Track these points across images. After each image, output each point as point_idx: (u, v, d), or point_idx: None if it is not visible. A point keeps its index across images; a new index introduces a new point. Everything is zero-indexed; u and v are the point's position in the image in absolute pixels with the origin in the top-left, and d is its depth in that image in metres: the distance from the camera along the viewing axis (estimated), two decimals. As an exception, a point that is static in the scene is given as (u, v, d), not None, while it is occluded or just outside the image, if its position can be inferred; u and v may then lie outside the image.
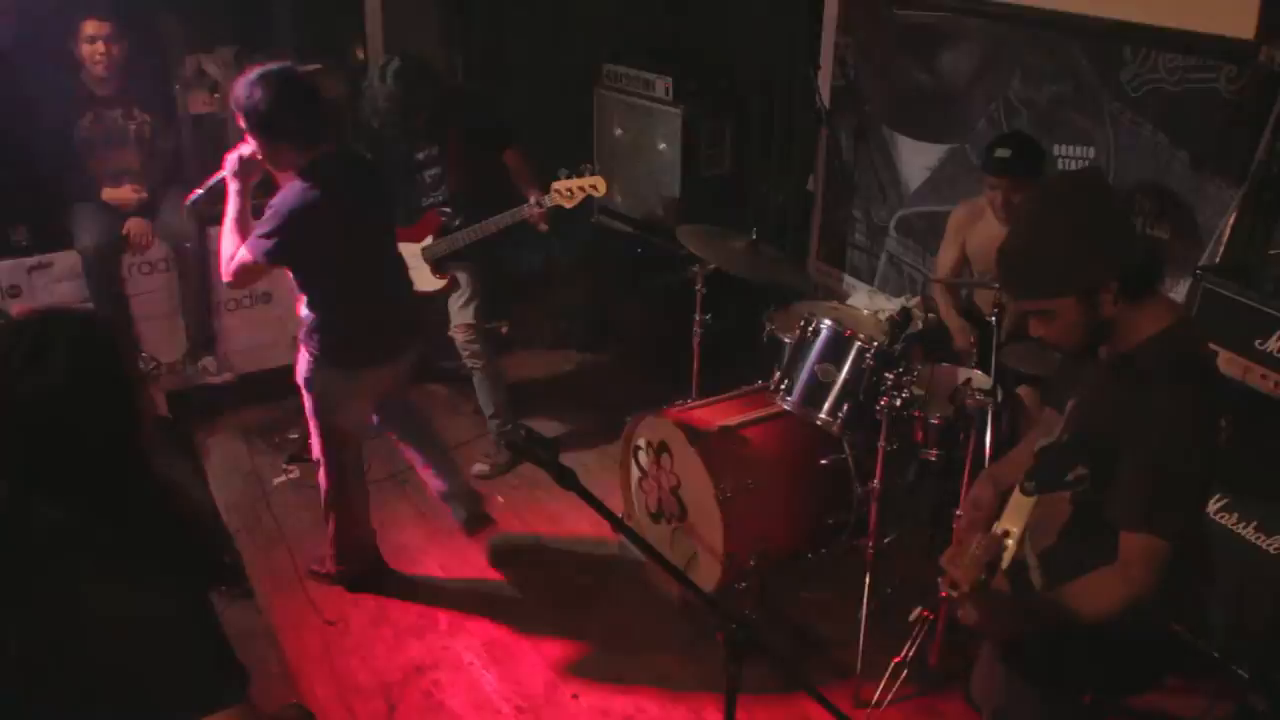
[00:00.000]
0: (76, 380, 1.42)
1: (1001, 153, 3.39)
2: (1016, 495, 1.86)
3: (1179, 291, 3.37)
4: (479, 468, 4.29)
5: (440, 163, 4.09)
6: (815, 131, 4.92)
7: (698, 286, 3.82)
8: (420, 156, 4.08)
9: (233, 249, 3.05)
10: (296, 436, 4.22)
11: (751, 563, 3.26)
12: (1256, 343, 2.90)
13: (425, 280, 4.11)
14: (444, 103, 4.09)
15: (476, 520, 3.78)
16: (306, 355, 3.21)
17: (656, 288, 4.29)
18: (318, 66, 4.56)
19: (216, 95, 4.65)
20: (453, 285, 4.12)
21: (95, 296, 4.26)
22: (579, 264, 5.35)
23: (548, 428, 4.54)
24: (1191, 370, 1.85)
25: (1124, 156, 3.61)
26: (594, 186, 3.92)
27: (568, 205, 3.96)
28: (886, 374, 3.13)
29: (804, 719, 3.06)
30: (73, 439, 1.42)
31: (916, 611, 2.86)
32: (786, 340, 3.45)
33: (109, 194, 4.26)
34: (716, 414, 3.45)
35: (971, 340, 3.64)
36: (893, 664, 3.06)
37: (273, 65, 2.95)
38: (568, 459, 1.77)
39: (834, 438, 3.34)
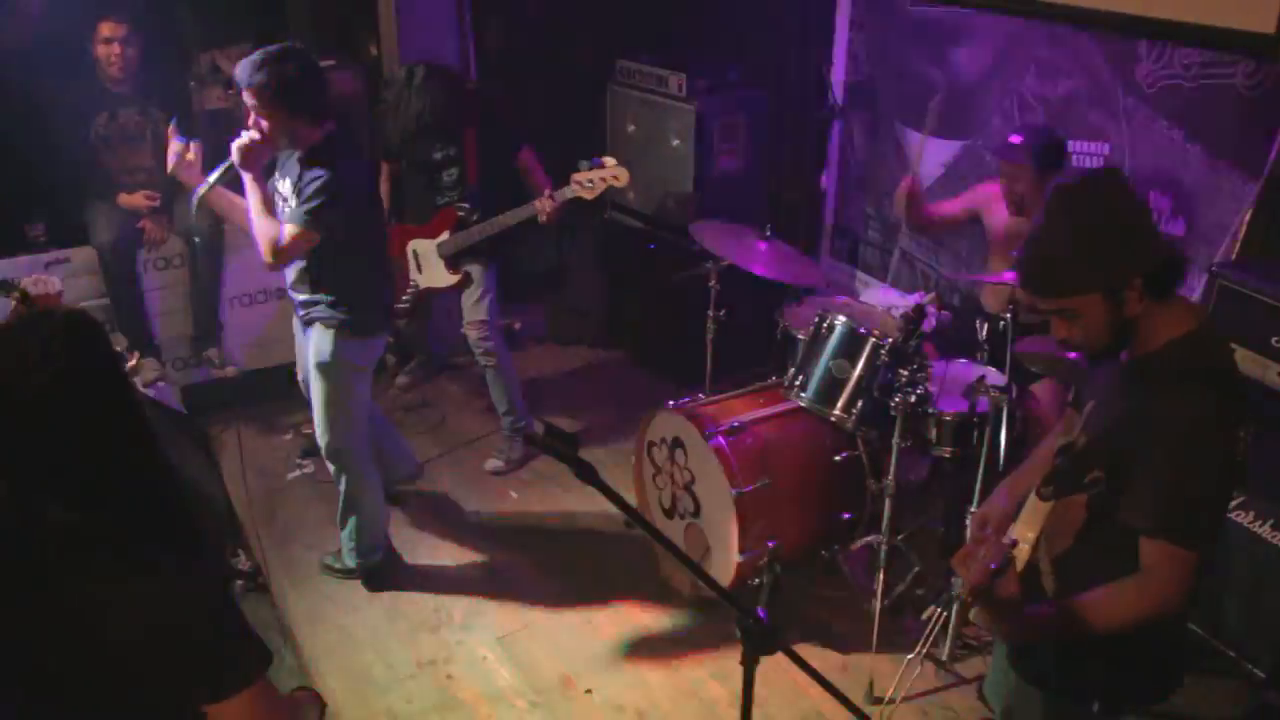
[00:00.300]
0: (72, 379, 1.44)
1: (1011, 139, 3.44)
2: (1033, 499, 1.85)
3: (1194, 289, 3.35)
4: (492, 463, 4.31)
5: (458, 163, 4.10)
6: (828, 127, 4.91)
7: (711, 283, 3.82)
8: (438, 156, 4.09)
9: (271, 230, 3.06)
10: (310, 431, 4.23)
11: (765, 559, 3.27)
12: (1274, 340, 2.89)
13: (439, 276, 4.13)
14: (463, 104, 4.11)
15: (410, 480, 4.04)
16: (325, 333, 3.22)
17: (670, 284, 4.28)
18: (331, 62, 4.57)
19: (231, 91, 4.67)
20: (466, 281, 4.13)
21: (112, 292, 4.31)
22: (592, 260, 5.36)
23: (561, 424, 4.56)
24: (1213, 377, 1.83)
25: (1139, 153, 3.60)
26: (615, 177, 3.91)
27: (588, 197, 3.95)
28: (901, 371, 3.14)
29: (818, 714, 3.07)
30: (72, 438, 1.44)
31: (930, 609, 2.86)
32: (800, 337, 3.45)
33: (124, 200, 4.30)
34: (730, 410, 3.45)
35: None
36: (906, 661, 3.06)
37: (276, 45, 2.99)
38: (580, 455, 1.78)
39: (848, 434, 3.35)
